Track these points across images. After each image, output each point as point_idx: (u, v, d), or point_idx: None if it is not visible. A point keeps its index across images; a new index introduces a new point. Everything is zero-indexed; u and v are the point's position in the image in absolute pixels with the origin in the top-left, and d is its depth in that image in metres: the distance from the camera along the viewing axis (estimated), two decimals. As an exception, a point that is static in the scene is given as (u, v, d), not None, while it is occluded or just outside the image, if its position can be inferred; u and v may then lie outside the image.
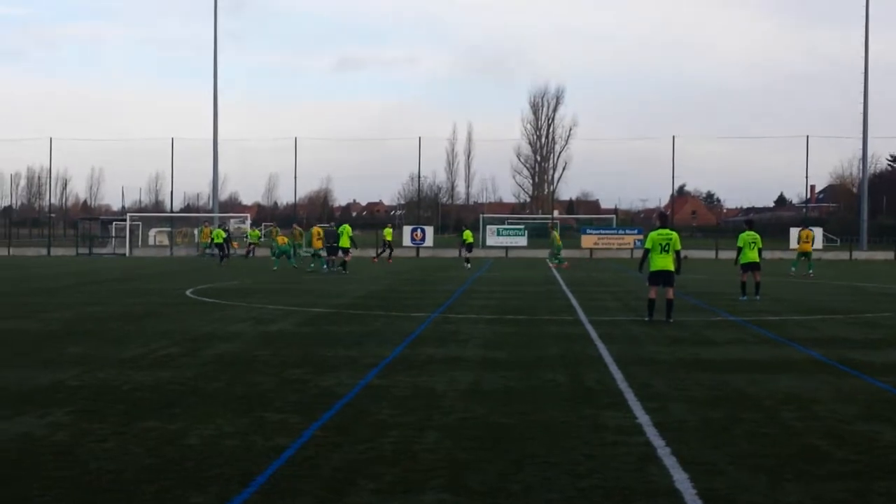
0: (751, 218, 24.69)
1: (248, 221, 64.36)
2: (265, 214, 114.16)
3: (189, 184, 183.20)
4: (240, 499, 5.76)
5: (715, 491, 5.99)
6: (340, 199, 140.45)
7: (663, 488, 6.05)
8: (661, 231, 16.63)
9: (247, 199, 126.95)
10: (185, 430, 7.61)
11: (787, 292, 24.88)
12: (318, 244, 34.97)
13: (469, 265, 39.74)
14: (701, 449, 7.08)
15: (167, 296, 22.44)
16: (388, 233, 46.30)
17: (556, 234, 43.18)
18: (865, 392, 9.61)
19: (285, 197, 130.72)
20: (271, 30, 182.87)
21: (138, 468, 6.45)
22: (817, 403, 8.94)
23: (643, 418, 8.16)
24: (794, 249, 53.22)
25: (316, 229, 36.01)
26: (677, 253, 16.51)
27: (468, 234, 42.05)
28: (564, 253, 46.71)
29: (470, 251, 41.28)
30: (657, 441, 7.30)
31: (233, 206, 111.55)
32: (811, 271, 33.11)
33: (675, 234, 16.63)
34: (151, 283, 27.60)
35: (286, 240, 36.62)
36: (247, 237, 51.61)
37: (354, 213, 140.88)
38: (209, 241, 49.16)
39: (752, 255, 21.57)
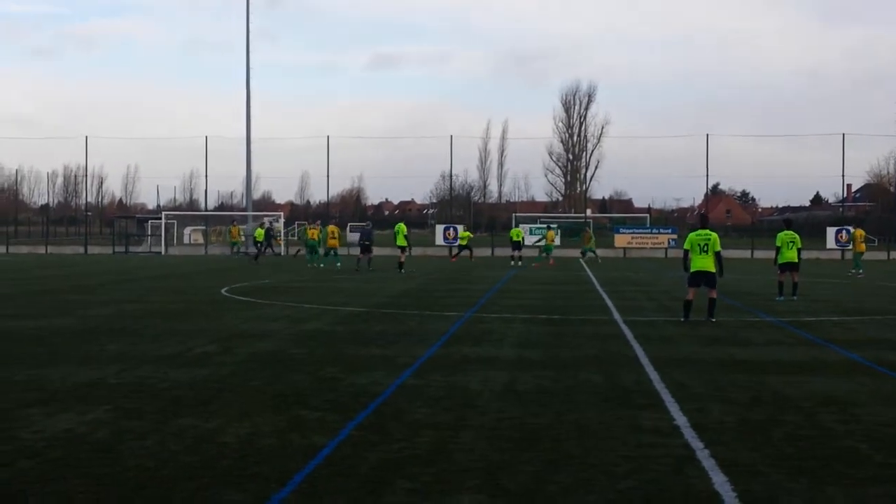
0: (789, 217, 24.37)
1: (282, 220, 64.69)
2: (298, 213, 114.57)
3: (223, 183, 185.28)
4: (278, 497, 5.79)
5: (754, 493, 5.93)
6: (373, 197, 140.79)
7: (703, 491, 6.00)
8: (699, 232, 16.57)
9: (280, 198, 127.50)
10: (223, 428, 7.66)
11: (825, 293, 24.61)
12: (333, 243, 35.09)
13: (517, 263, 40.34)
14: (740, 451, 7.02)
15: (202, 294, 22.62)
16: (464, 235, 46.95)
17: (589, 231, 43.91)
18: (906, 394, 9.48)
19: (318, 195, 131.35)
20: (306, 28, 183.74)
21: (177, 466, 6.50)
22: (857, 406, 8.83)
23: (680, 420, 8.11)
24: (833, 249, 52.80)
25: (331, 228, 36.15)
26: (717, 254, 16.37)
27: (516, 232, 42.62)
28: (604, 252, 46.71)
29: (519, 249, 41.56)
30: (695, 443, 7.24)
31: (266, 204, 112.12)
32: (861, 271, 33.22)
33: (714, 235, 16.53)
34: (187, 282, 27.84)
35: (316, 234, 36.85)
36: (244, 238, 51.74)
37: (387, 212, 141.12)
38: (242, 239, 49.40)
39: (790, 255, 21.27)
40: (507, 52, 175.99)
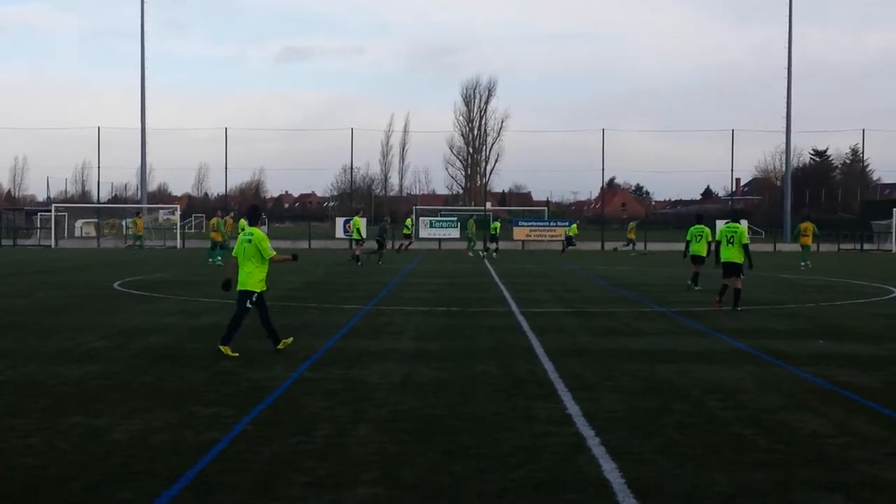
0: (700, 213, 25.07)
1: (178, 213, 63.42)
2: (196, 205, 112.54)
3: (117, 174, 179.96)
4: (168, 495, 5.69)
5: (643, 480, 6.09)
6: (273, 190, 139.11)
7: (592, 478, 6.14)
8: (729, 225, 17.85)
9: (177, 190, 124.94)
10: (113, 426, 7.49)
11: (715, 284, 25.34)
12: (218, 237, 34.29)
13: (485, 254, 41.67)
14: (630, 439, 7.19)
15: (94, 288, 22.02)
16: (357, 221, 45.63)
17: (471, 222, 45.12)
18: (789, 382, 9.85)
19: (216, 188, 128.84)
20: (217, 19, 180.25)
21: (64, 464, 6.34)
22: (742, 393, 9.14)
23: (573, 409, 8.26)
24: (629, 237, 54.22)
25: (229, 220, 35.32)
26: (744, 246, 17.38)
27: (495, 226, 44.53)
28: (503, 245, 47.25)
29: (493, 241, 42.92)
30: (587, 431, 7.40)
31: (162, 196, 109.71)
32: (808, 263, 34.07)
33: (741, 228, 17.68)
34: (78, 276, 27.05)
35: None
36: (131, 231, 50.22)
37: (286, 205, 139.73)
38: (143, 233, 48.02)
39: (698, 248, 22.20)
40: (418, 46, 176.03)
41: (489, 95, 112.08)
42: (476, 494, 5.80)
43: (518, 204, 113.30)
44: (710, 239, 22.00)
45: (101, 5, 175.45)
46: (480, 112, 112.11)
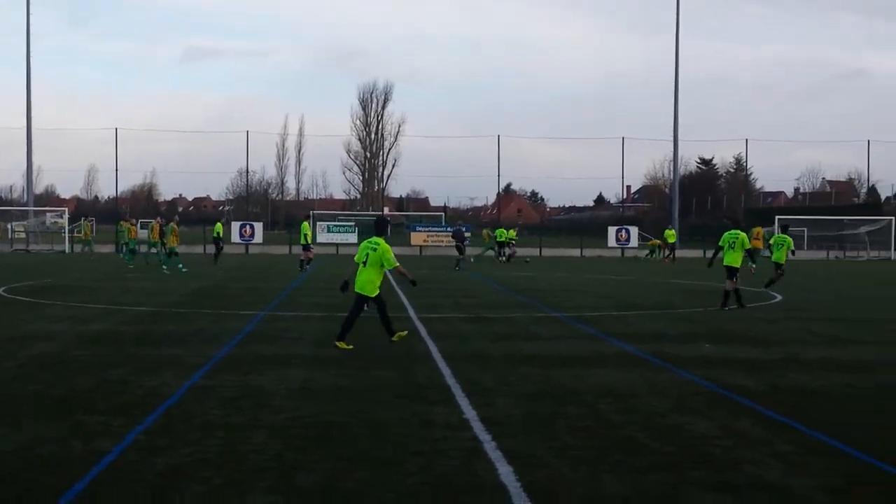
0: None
1: (66, 216, 61.49)
2: (85, 208, 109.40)
3: (1, 176, 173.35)
4: (58, 507, 5.54)
5: (538, 483, 6.20)
6: (166, 193, 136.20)
7: (489, 482, 6.21)
8: (731, 231, 19.32)
9: (65, 193, 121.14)
10: (-2, 437, 7.24)
11: (607, 289, 25.90)
12: (174, 242, 32.84)
13: (467, 261, 40.79)
14: (525, 442, 7.30)
15: (-24, 294, 21.20)
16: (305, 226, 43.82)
17: (485, 231, 45.02)
18: (679, 385, 10.13)
19: (107, 190, 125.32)
20: (118, 16, 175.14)
21: (-55, 478, 6.10)
22: (634, 396, 9.37)
23: (470, 413, 8.34)
24: (614, 247, 55.54)
25: (173, 225, 33.82)
26: (747, 251, 19.00)
27: (500, 233, 43.35)
28: (400, 250, 47.18)
29: (504, 247, 42.54)
30: (483, 436, 7.48)
31: (50, 199, 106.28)
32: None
33: (742, 235, 19.10)
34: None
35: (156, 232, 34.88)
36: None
37: (181, 208, 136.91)
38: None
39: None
40: (323, 49, 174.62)
41: (386, 100, 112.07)
42: (374, 501, 5.81)
43: (416, 209, 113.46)
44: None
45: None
46: (378, 116, 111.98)
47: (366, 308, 12.72)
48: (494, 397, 9.17)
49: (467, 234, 54.81)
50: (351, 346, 12.33)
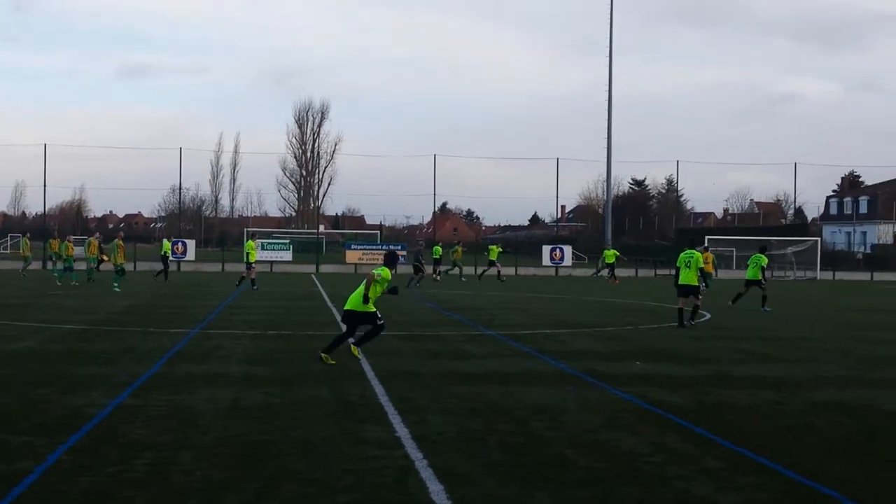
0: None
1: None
2: (12, 225, 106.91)
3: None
4: (-25, 530, 5.38)
5: (469, 501, 6.20)
6: (96, 209, 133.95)
7: (419, 501, 6.19)
8: (686, 251, 19.81)
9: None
10: (-87, 458, 7.01)
11: (540, 307, 26.06)
12: (116, 259, 31.88)
13: (437, 278, 41.27)
14: (457, 460, 7.30)
15: None
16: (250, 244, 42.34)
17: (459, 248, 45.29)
18: (609, 402, 10.23)
19: (35, 206, 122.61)
20: (53, 32, 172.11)
21: None
22: (565, 413, 9.43)
23: (402, 431, 8.32)
24: (548, 266, 55.95)
25: (119, 242, 32.82)
26: (700, 269, 19.66)
27: (437, 250, 43.60)
28: (335, 268, 47.02)
29: (437, 265, 42.75)
30: (415, 453, 7.46)
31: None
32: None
33: (697, 254, 19.67)
34: None
35: (95, 249, 34.09)
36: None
37: (111, 225, 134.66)
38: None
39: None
40: (261, 68, 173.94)
41: (322, 118, 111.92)
42: (303, 520, 5.75)
43: (351, 227, 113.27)
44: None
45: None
46: (314, 135, 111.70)
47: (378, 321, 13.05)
48: (427, 415, 9.15)
49: (403, 253, 54.97)
50: (360, 357, 12.81)
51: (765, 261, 25.80)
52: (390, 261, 13.37)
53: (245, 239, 58.47)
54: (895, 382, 12.16)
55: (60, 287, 30.95)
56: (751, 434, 8.58)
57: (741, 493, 6.56)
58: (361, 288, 12.96)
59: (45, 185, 60.62)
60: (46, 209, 73.19)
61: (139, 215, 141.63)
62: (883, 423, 9.40)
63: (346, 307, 13.14)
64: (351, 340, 13.06)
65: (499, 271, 44.04)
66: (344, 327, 13.29)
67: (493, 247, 46.16)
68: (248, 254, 32.81)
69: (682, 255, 19.97)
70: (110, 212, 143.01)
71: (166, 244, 39.82)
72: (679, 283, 19.61)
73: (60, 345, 14.61)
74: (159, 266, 39.17)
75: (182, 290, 31.75)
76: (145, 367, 12.07)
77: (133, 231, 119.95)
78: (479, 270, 46.29)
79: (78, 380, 10.96)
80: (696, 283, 19.55)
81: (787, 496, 6.56)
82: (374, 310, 12.99)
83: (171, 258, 39.30)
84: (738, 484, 6.81)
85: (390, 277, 13.07)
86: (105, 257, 33.99)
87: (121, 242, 31.91)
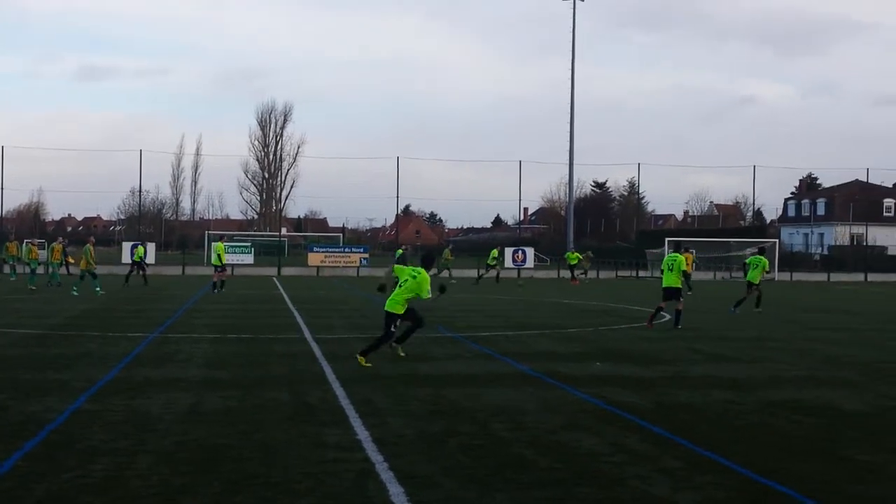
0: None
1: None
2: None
3: None
4: (-73, 538, 5.30)
5: (429, 503, 6.20)
6: (54, 212, 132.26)
7: (380, 503, 6.19)
8: (670, 255, 20.66)
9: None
10: None
11: (501, 308, 26.13)
12: (84, 265, 31.25)
13: (453, 282, 40.54)
14: (417, 462, 7.31)
15: None
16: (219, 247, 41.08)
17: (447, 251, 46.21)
18: (569, 403, 10.29)
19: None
20: (9, 33, 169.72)
21: None
22: (525, 415, 9.47)
23: (363, 434, 8.31)
24: (510, 268, 56.12)
25: (90, 247, 32.27)
26: (683, 272, 20.00)
27: (492, 255, 44.09)
28: (298, 271, 46.75)
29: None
30: (376, 456, 7.46)
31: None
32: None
33: (680, 258, 20.19)
34: None
35: (59, 254, 33.69)
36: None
37: (69, 228, 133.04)
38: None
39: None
40: (223, 69, 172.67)
41: (285, 120, 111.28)
42: (262, 524, 5.73)
43: (314, 230, 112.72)
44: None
45: None
46: (276, 137, 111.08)
47: (394, 328, 13.48)
48: (388, 418, 9.15)
49: (365, 256, 54.88)
50: (369, 364, 12.79)
51: (766, 263, 25.66)
52: (427, 263, 14.15)
53: (208, 242, 58.12)
54: (853, 382, 12.34)
55: (35, 290, 30.62)
56: (708, 433, 8.67)
57: (699, 492, 6.63)
58: (403, 290, 13.42)
59: (1, 188, 59.87)
60: (3, 212, 72.20)
61: (98, 218, 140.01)
62: (840, 422, 9.54)
63: (388, 309, 13.54)
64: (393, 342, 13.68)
65: (498, 274, 44.93)
66: (391, 328, 13.59)
67: (494, 252, 46.47)
68: (218, 255, 32.58)
69: (666, 258, 20.70)
70: (69, 215, 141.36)
71: (140, 249, 39.37)
72: (663, 285, 20.09)
73: (16, 350, 14.42)
74: (122, 270, 38.70)
75: (142, 293, 31.44)
76: (103, 372, 11.95)
77: (93, 234, 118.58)
78: (478, 273, 46.68)
79: (35, 385, 10.83)
80: (680, 286, 19.96)
81: (745, 494, 6.65)
82: (403, 311, 13.47)
83: (145, 262, 38.67)
84: (696, 483, 6.88)
85: (429, 279, 13.63)
86: (72, 259, 33.68)
87: (91, 248, 31.58)
